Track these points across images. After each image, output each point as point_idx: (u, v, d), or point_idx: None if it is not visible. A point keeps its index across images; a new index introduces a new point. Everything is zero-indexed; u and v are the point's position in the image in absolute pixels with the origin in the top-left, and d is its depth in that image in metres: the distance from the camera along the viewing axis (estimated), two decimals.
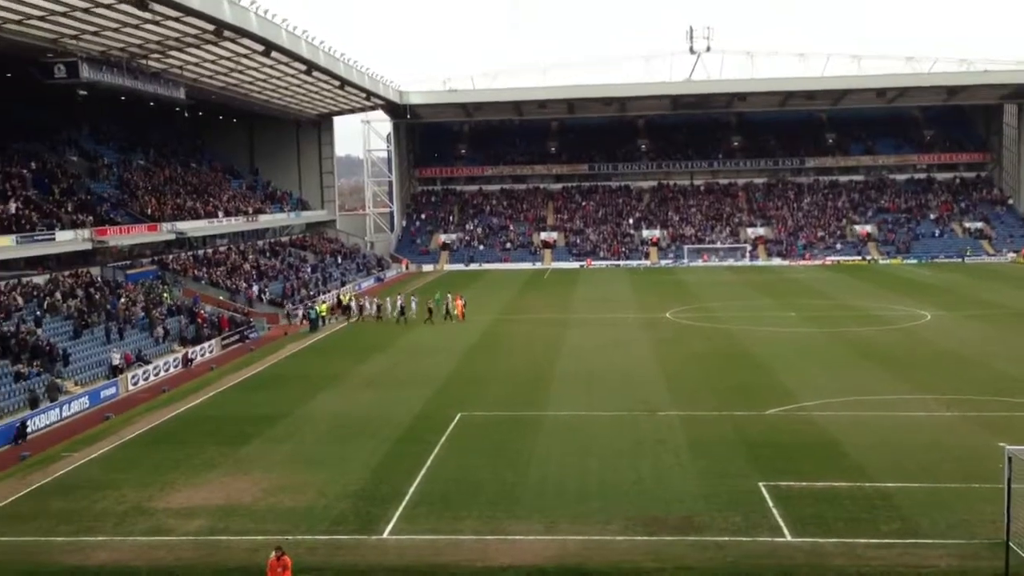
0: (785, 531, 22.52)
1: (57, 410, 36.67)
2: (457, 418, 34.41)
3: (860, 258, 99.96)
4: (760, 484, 25.75)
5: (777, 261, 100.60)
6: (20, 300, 46.53)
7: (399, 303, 61.52)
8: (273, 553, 19.45)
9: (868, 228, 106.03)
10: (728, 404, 35.55)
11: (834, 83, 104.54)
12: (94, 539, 23.32)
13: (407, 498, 25.62)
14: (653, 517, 23.66)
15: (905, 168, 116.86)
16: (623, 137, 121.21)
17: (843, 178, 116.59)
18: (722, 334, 52.95)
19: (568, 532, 22.91)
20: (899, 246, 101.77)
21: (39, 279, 50.83)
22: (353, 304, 63.49)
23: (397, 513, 24.48)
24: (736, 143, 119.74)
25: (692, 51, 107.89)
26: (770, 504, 24.25)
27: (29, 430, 33.95)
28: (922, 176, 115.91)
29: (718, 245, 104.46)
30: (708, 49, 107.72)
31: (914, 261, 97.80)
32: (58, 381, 39.30)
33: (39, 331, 43.44)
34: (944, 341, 48.96)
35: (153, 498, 26.23)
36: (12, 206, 52.19)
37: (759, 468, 27.32)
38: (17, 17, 45.86)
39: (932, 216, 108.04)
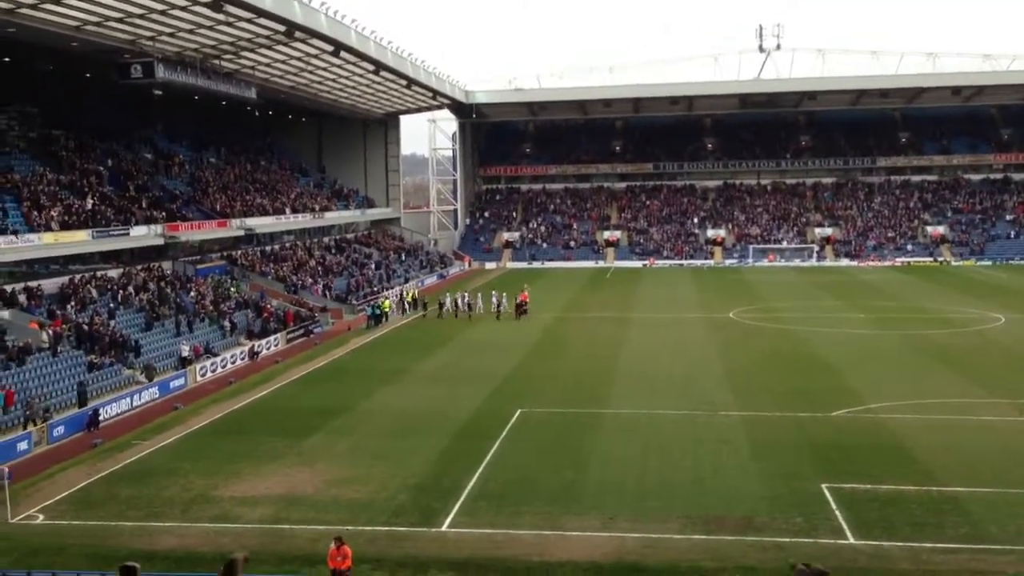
0: (848, 533, 22.15)
1: (128, 399, 37.68)
2: (517, 414, 34.50)
3: (932, 259, 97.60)
4: (823, 486, 25.36)
5: (845, 262, 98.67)
6: (95, 293, 47.92)
7: (493, 298, 62.10)
8: (333, 543, 19.72)
9: (941, 229, 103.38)
10: (792, 405, 35.05)
11: (908, 81, 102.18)
12: (161, 525, 23.96)
13: (466, 492, 25.80)
14: (713, 516, 23.47)
15: (981, 168, 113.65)
16: (689, 136, 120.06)
17: (915, 178, 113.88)
18: (787, 335, 52.19)
19: (627, 530, 22.84)
20: (973, 247, 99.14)
21: (113, 273, 52.27)
22: (447, 301, 63.20)
23: (456, 507, 24.67)
24: (805, 142, 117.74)
25: (762, 49, 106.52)
26: (833, 506, 23.87)
27: (101, 418, 34.94)
28: (998, 176, 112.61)
29: (784, 245, 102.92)
30: (778, 47, 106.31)
31: (988, 263, 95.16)
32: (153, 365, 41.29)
33: (112, 323, 44.69)
34: (1018, 345, 47.56)
35: (219, 487, 26.83)
36: (89, 202, 53.72)
37: (823, 470, 26.91)
38: (96, 19, 47.20)
39: (1008, 217, 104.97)
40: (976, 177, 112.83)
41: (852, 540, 21.79)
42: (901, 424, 31.89)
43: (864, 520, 22.89)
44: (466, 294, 64.33)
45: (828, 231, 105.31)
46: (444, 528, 23.33)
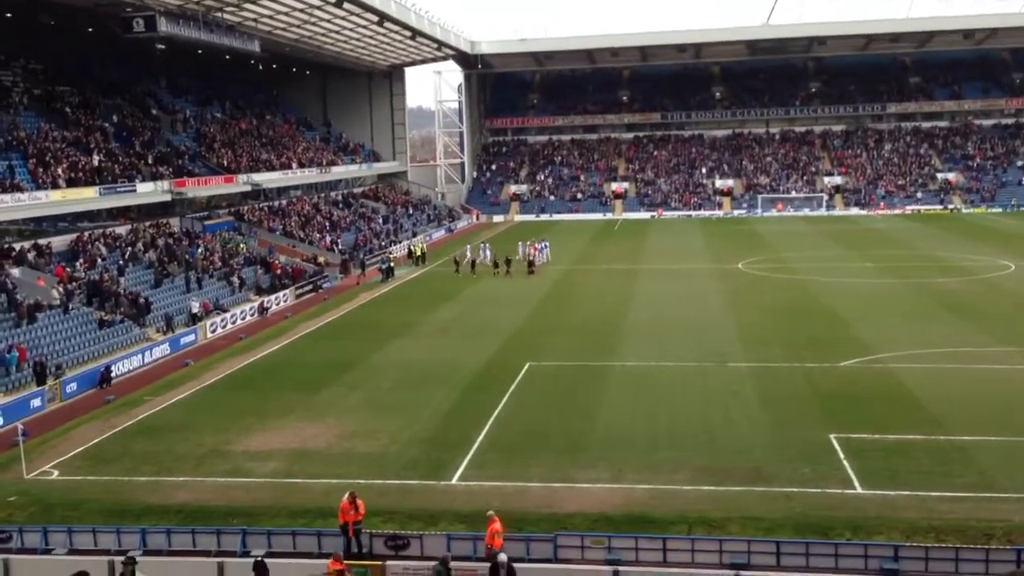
0: (856, 483, 22.27)
1: (140, 356, 37.93)
2: (526, 367, 34.63)
3: (942, 207, 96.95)
4: (831, 436, 25.46)
5: (855, 211, 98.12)
6: (103, 250, 48.00)
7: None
8: (346, 496, 19.91)
9: (952, 176, 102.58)
10: (801, 356, 35.07)
11: (919, 24, 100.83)
12: (175, 479, 24.24)
13: (476, 445, 26.00)
14: (721, 467, 23.61)
15: (992, 113, 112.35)
16: (697, 85, 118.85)
17: (926, 124, 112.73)
18: (796, 285, 52.09)
19: (635, 481, 23.01)
20: (984, 194, 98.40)
21: (121, 229, 52.30)
22: (523, 250, 63.15)
23: (466, 460, 24.87)
24: (814, 89, 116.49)
25: None
26: (841, 456, 23.98)
27: (113, 375, 35.20)
28: (1010, 121, 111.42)
29: (793, 195, 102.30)
30: None
31: (999, 210, 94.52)
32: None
33: (122, 280, 44.80)
34: None
35: (231, 441, 27.08)
36: (95, 159, 53.56)
37: (831, 420, 26.99)
38: None
39: (1019, 163, 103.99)
40: (987, 122, 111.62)
41: (860, 490, 21.91)
42: (909, 373, 31.90)
43: (872, 470, 22.98)
44: (533, 242, 64.47)
45: (838, 180, 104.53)
46: (454, 481, 23.54)
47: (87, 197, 49.29)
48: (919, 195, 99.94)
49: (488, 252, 63.24)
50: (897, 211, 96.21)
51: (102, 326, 39.53)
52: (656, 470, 23.63)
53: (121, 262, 47.27)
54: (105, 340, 38.64)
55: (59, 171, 49.04)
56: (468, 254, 62.72)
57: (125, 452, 26.62)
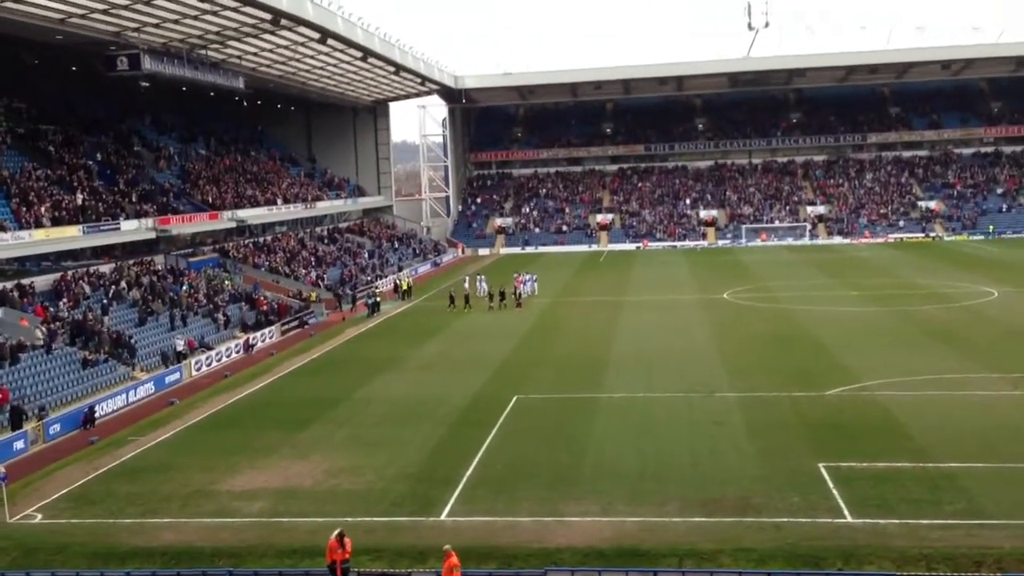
0: (845, 512, 22.22)
1: (124, 395, 37.61)
2: (513, 401, 34.51)
3: (924, 235, 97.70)
4: (820, 465, 25.43)
5: (838, 239, 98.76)
6: (87, 288, 47.73)
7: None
8: (334, 535, 19.67)
9: (932, 204, 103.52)
10: (788, 385, 35.10)
11: (897, 56, 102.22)
12: (160, 521, 23.93)
13: (464, 480, 25.82)
14: (710, 498, 23.53)
15: (971, 142, 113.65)
16: (680, 116, 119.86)
17: (906, 153, 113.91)
18: (782, 314, 52.26)
19: (625, 514, 22.89)
20: (965, 222, 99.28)
21: (105, 268, 52.05)
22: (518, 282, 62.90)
23: (454, 495, 24.68)
24: (795, 120, 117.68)
25: (750, 27, 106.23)
26: (830, 485, 23.94)
27: (97, 415, 34.86)
28: (989, 150, 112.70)
29: (777, 224, 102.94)
30: (767, 25, 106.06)
31: (980, 237, 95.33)
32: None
33: (106, 319, 44.52)
34: (1011, 319, 47.70)
35: (216, 481, 26.80)
36: (79, 197, 53.41)
37: (819, 449, 26.98)
38: (81, 12, 46.93)
39: (999, 191, 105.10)
40: (967, 151, 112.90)
41: (850, 519, 21.86)
42: (896, 401, 31.99)
43: (861, 498, 22.96)
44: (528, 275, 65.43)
45: (820, 209, 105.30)
46: (443, 517, 23.35)
47: (71, 236, 49.07)
48: (901, 223, 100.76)
49: (484, 285, 63.41)
50: (880, 239, 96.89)
51: (86, 366, 39.21)
52: (646, 502, 23.53)
53: (105, 301, 46.98)
54: (89, 380, 38.32)
55: (42, 210, 48.87)
56: (466, 286, 62.48)
57: (109, 493, 26.30)
